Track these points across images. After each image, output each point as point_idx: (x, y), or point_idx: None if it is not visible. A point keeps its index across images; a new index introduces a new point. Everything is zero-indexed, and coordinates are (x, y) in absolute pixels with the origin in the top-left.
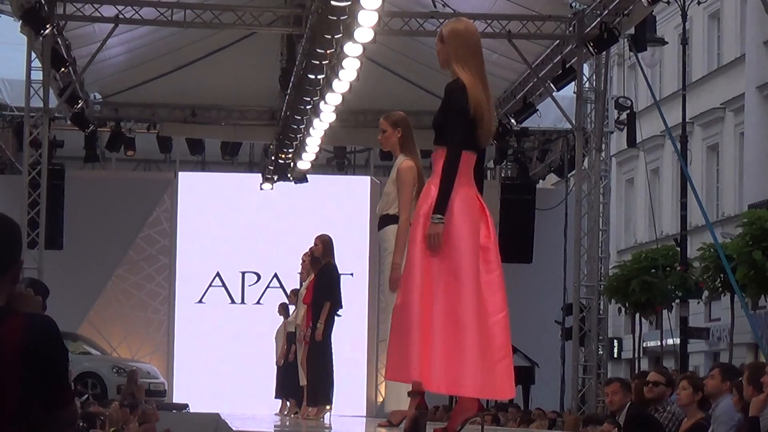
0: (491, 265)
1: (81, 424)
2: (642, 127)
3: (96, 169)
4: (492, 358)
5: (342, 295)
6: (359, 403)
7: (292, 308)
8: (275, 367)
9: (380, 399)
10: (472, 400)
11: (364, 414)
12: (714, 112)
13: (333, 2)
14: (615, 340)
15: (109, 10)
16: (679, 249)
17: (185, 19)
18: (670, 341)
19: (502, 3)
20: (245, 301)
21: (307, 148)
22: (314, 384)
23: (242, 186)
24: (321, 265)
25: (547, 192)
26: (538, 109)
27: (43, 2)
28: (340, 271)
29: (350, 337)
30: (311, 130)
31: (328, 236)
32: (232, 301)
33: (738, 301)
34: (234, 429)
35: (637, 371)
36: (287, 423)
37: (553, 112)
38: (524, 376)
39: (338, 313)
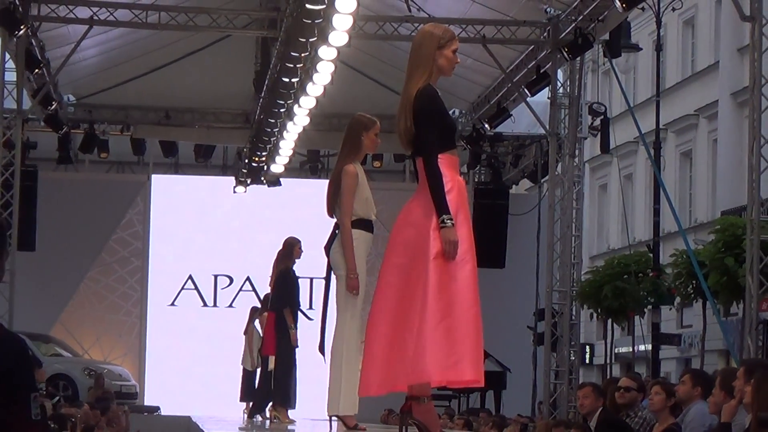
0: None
1: (52, 425)
2: (616, 133)
3: (69, 171)
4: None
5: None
6: None
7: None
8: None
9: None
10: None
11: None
12: (688, 118)
13: (308, 6)
14: (587, 346)
15: (83, 12)
16: (651, 255)
17: (160, 21)
18: (641, 347)
19: (477, 8)
20: (217, 304)
21: (280, 151)
22: (283, 387)
23: (215, 189)
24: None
25: (520, 197)
26: (512, 114)
27: (17, 3)
28: (312, 275)
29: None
30: (285, 133)
31: (288, 239)
32: (205, 304)
33: (710, 307)
34: None
35: (608, 377)
36: (257, 426)
37: (527, 117)
38: (496, 381)
39: (309, 316)
